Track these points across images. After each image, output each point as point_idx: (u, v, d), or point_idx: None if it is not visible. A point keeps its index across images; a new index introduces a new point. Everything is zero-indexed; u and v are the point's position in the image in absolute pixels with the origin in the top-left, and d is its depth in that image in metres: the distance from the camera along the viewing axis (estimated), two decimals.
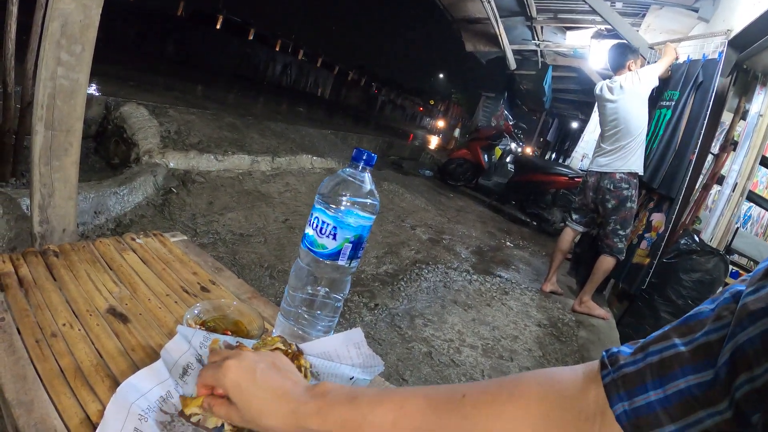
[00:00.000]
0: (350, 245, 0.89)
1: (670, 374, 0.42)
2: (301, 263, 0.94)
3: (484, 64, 10.29)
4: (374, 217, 0.91)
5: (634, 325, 3.83)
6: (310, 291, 0.95)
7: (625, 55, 3.68)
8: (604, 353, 0.50)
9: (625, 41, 4.28)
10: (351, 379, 0.90)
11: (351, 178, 0.89)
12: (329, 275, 0.94)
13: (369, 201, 0.89)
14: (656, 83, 3.64)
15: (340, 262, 0.90)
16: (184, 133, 4.31)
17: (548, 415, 0.50)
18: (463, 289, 3.74)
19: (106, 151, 3.94)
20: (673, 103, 3.91)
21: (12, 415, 0.68)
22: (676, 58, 3.82)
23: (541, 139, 22.37)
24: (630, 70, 3.65)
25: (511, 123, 9.05)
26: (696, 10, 5.47)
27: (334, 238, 0.88)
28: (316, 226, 0.89)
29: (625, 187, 3.64)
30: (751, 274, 0.42)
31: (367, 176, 0.91)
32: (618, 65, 3.70)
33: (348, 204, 0.87)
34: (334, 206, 0.87)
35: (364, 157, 0.89)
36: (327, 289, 0.95)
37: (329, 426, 0.56)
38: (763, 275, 0.40)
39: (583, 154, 8.06)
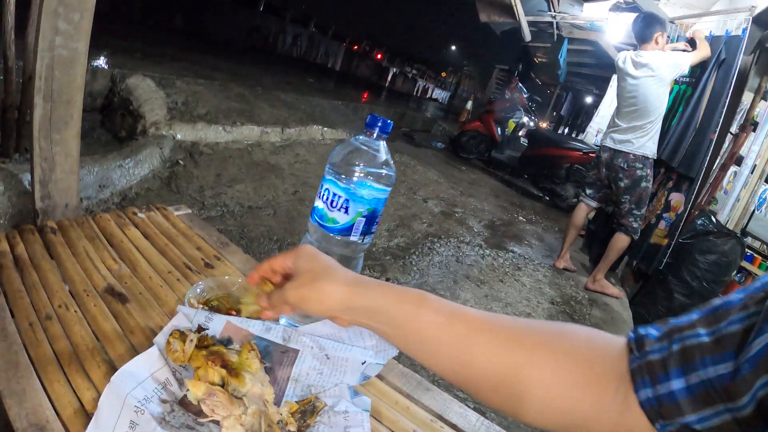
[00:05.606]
0: (363, 220, 0.83)
1: (692, 364, 0.41)
2: (309, 238, 0.88)
3: (498, 35, 10.06)
4: (389, 189, 0.85)
5: (647, 304, 3.79)
6: None
7: (652, 26, 3.44)
8: (631, 335, 0.49)
9: (651, 12, 4.09)
10: (363, 363, 0.85)
11: (365, 147, 0.82)
12: (340, 252, 0.87)
13: (384, 172, 0.82)
14: (685, 72, 3.49)
15: (353, 238, 0.84)
16: (192, 104, 4.24)
17: (593, 366, 0.49)
18: (475, 264, 3.69)
19: (113, 123, 3.88)
20: (693, 79, 3.78)
21: (3, 405, 0.64)
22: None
23: (554, 113, 22.07)
24: (657, 43, 3.46)
25: (525, 96, 8.86)
26: None
27: (346, 211, 0.81)
28: (327, 198, 0.82)
29: (639, 167, 3.52)
30: None
31: (382, 145, 0.84)
32: (644, 37, 3.47)
33: (361, 175, 0.80)
34: (346, 177, 0.80)
35: (379, 124, 0.82)
36: None
37: (389, 297, 0.59)
38: None
39: (598, 129, 7.93)
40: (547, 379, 0.50)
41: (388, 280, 2.93)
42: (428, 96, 29.87)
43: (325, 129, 5.51)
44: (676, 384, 0.41)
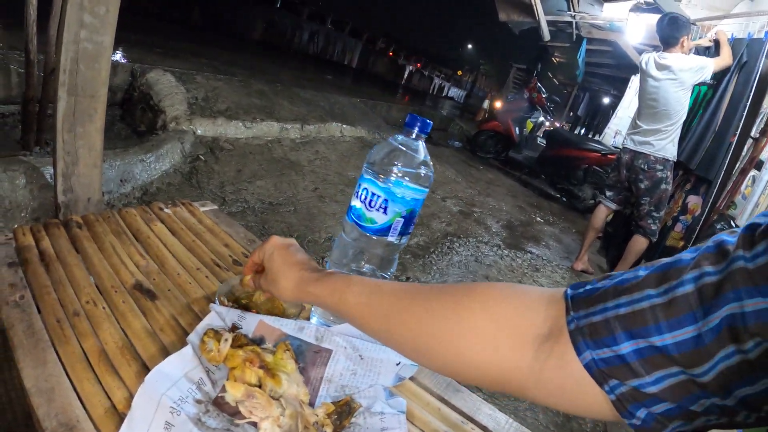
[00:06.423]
0: (402, 220, 0.80)
1: (643, 328, 0.39)
2: (346, 238, 0.86)
3: (517, 34, 9.98)
4: (428, 190, 0.82)
5: None
6: (354, 268, 0.87)
7: (678, 29, 3.35)
8: (569, 291, 0.48)
9: (676, 14, 4.01)
10: (397, 364, 0.83)
11: (404, 147, 0.80)
12: (376, 252, 0.85)
13: (423, 172, 0.80)
14: (708, 78, 3.42)
15: (390, 239, 0.82)
16: (212, 99, 4.24)
17: (505, 321, 0.50)
18: (494, 264, 3.65)
19: (133, 118, 3.89)
20: (714, 82, 3.72)
21: (31, 404, 0.62)
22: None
23: (571, 114, 21.87)
24: (683, 46, 3.40)
25: (544, 96, 8.76)
26: None
27: (385, 212, 0.78)
28: (365, 198, 0.79)
29: (659, 168, 3.48)
30: (743, 228, 0.38)
31: (420, 145, 0.81)
32: (670, 39, 3.38)
33: (400, 175, 0.77)
34: (385, 177, 0.77)
35: (419, 124, 0.80)
36: (373, 267, 0.87)
37: (323, 290, 0.66)
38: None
39: (616, 131, 7.82)
40: (457, 339, 0.52)
41: (408, 279, 2.91)
42: (444, 94, 29.71)
43: (344, 126, 5.49)
44: (625, 347, 0.40)
